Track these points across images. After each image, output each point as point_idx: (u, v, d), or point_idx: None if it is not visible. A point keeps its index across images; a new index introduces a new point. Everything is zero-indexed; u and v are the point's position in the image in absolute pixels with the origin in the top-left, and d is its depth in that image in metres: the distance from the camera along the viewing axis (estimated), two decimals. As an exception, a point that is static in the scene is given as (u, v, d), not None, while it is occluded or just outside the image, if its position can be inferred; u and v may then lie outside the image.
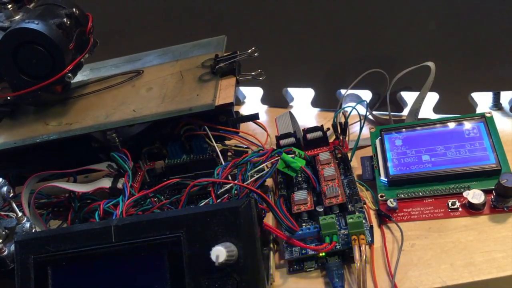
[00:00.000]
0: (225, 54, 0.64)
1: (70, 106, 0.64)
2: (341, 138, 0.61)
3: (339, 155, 0.60)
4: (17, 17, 0.60)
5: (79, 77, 0.69)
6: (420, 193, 0.55)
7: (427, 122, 0.61)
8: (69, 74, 0.58)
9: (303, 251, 0.51)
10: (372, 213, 0.55)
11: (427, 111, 0.71)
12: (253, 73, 0.63)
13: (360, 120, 0.61)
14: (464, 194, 0.53)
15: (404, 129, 0.61)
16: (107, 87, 0.66)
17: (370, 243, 0.50)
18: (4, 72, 0.58)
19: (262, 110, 0.83)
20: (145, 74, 0.67)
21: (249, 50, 0.63)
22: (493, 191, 0.52)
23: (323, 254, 0.50)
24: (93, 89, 0.66)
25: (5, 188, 0.51)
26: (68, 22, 0.58)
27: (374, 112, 0.74)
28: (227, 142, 0.64)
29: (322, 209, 0.53)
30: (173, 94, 0.60)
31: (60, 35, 0.57)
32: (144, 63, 0.70)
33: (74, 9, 0.61)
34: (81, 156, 0.63)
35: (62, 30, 0.58)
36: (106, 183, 0.58)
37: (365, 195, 0.58)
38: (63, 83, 0.60)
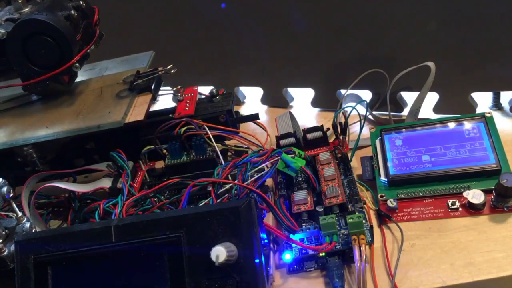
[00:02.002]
0: (148, 70, 0.65)
1: None
2: (341, 138, 0.61)
3: (339, 155, 0.60)
4: (26, 9, 0.61)
5: (6, 92, 0.68)
6: (420, 193, 0.55)
7: (427, 122, 0.61)
8: (77, 64, 0.60)
9: (303, 251, 0.51)
10: (372, 213, 0.55)
11: (427, 111, 0.71)
12: (174, 89, 0.65)
13: (360, 120, 0.61)
14: (464, 194, 0.53)
15: (404, 129, 0.61)
16: (29, 102, 0.66)
17: (370, 243, 0.50)
18: (14, 62, 0.60)
19: (262, 110, 0.83)
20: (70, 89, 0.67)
21: (168, 67, 0.64)
22: (493, 191, 0.52)
23: (323, 254, 0.50)
24: (17, 103, 0.66)
25: (5, 188, 0.51)
26: (76, 14, 0.60)
27: (374, 112, 0.74)
28: (227, 142, 0.64)
29: (322, 209, 0.53)
30: (88, 110, 0.61)
31: (68, 27, 0.59)
32: None
33: (81, 2, 0.62)
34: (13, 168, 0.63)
35: (70, 22, 0.59)
36: (106, 183, 0.58)
37: (365, 195, 0.58)
38: (70, 73, 0.62)
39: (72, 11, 0.59)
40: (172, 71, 0.64)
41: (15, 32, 0.58)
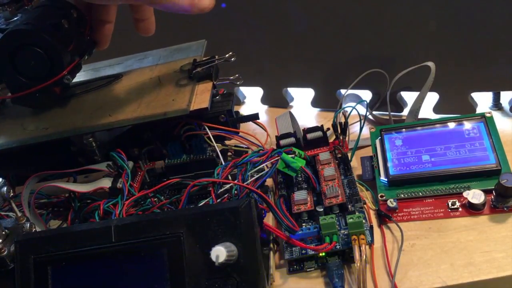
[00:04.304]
0: (204, 59, 0.65)
1: (48, 110, 0.63)
2: (341, 138, 0.61)
3: (339, 155, 0.60)
4: (15, 19, 0.59)
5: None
6: (420, 193, 0.55)
7: (427, 122, 0.61)
8: (68, 76, 0.58)
9: (303, 251, 0.51)
10: (372, 213, 0.55)
11: (427, 111, 0.71)
12: (231, 77, 0.64)
13: (360, 120, 0.61)
14: (464, 194, 0.53)
15: (404, 129, 0.61)
16: (86, 91, 0.65)
17: (370, 243, 0.50)
18: (2, 74, 0.58)
19: (262, 110, 0.83)
20: (124, 78, 0.67)
21: (227, 55, 0.63)
22: (493, 191, 0.52)
23: (323, 254, 0.50)
24: (72, 93, 0.66)
25: (5, 188, 0.51)
26: (67, 24, 0.58)
27: (374, 112, 0.74)
28: (227, 142, 0.64)
29: (322, 209, 0.53)
30: (150, 99, 0.60)
31: (58, 37, 0.57)
32: (124, 67, 0.70)
33: (72, 11, 0.60)
34: (62, 160, 0.62)
35: (61, 32, 0.58)
36: (106, 183, 0.58)
37: (365, 195, 0.58)
38: (61, 85, 0.59)
39: (63, 21, 0.57)
40: (232, 59, 0.63)
41: (3, 43, 0.55)
